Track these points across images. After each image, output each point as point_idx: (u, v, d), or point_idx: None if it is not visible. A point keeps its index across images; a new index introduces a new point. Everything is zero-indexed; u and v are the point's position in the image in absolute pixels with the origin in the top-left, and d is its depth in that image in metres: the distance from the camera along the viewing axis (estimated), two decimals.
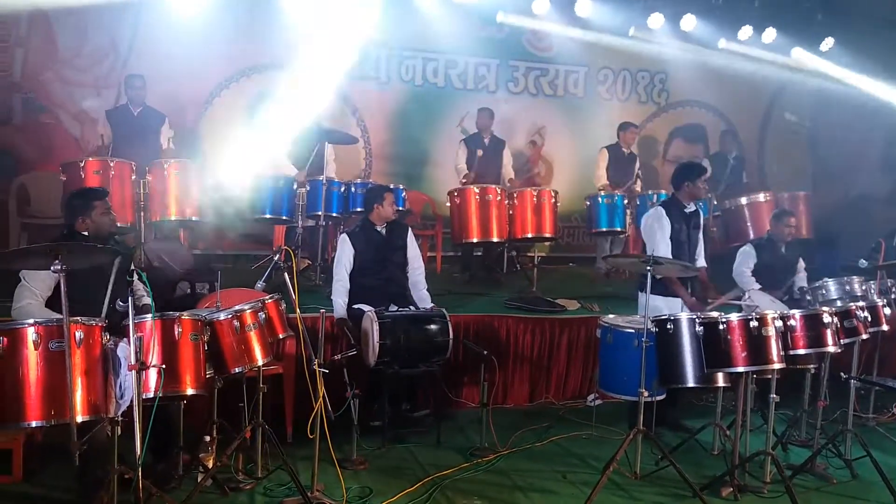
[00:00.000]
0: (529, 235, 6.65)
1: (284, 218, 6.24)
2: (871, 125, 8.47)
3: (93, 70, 7.15)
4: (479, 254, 7.34)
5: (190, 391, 3.40)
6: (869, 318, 4.45)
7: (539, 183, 8.59)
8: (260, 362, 3.74)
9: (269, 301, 3.96)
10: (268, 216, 6.21)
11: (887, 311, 4.67)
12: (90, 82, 7.15)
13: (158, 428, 3.22)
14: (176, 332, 3.37)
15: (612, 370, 4.58)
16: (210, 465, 3.80)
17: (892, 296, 5.34)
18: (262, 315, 3.80)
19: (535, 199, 6.59)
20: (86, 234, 3.78)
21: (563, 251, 8.69)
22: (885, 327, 4.64)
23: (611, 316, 4.77)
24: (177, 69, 7.14)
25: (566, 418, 5.23)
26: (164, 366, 3.21)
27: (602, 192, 7.11)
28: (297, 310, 3.68)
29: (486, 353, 4.67)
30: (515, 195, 6.59)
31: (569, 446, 4.73)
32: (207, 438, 3.90)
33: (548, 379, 5.63)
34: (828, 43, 8.61)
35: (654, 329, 4.10)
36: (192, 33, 6.95)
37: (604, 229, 7.07)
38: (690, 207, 4.98)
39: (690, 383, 4.08)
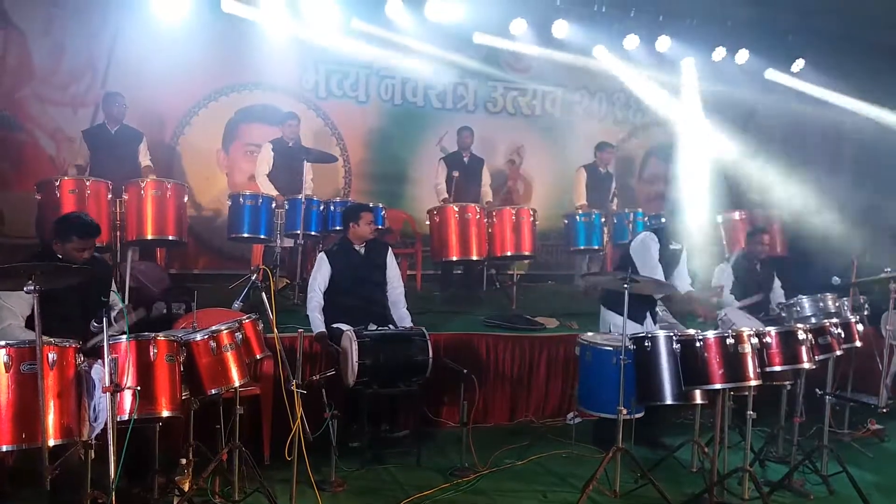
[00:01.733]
0: (509, 253, 6.67)
1: (262, 237, 6.21)
2: (844, 143, 8.65)
3: (70, 88, 7.10)
4: (459, 272, 7.35)
5: (165, 413, 3.35)
6: (843, 335, 4.52)
7: (518, 201, 8.65)
8: (237, 383, 3.69)
9: (247, 321, 3.92)
10: (245, 235, 6.18)
11: (860, 327, 4.75)
12: (67, 101, 7.09)
13: (133, 451, 3.16)
14: (151, 353, 3.33)
15: (591, 388, 4.60)
16: (186, 488, 3.74)
17: (865, 312, 5.41)
18: (238, 335, 3.76)
19: (514, 217, 6.62)
20: (59, 256, 3.73)
21: (542, 269, 8.73)
22: (858, 343, 4.72)
23: (589, 334, 4.81)
24: (155, 87, 7.12)
25: (546, 437, 5.22)
26: (139, 388, 3.17)
27: (580, 211, 7.17)
28: (275, 330, 3.65)
29: (465, 371, 4.67)
30: (495, 213, 6.62)
31: (549, 465, 4.72)
32: (183, 461, 3.83)
33: (528, 397, 5.62)
34: (799, 64, 8.81)
35: (631, 347, 4.13)
36: (171, 52, 6.94)
37: (582, 247, 7.13)
38: (676, 245, 5.02)
39: (668, 400, 4.11)
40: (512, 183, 8.99)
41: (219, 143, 7.79)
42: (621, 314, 4.03)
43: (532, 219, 6.70)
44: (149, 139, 6.55)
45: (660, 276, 4.76)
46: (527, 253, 6.76)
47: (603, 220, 7.06)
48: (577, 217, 7.11)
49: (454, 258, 6.59)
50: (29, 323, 3.54)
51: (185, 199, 5.99)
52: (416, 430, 4.84)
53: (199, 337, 3.62)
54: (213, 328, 3.71)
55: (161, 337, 3.40)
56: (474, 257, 6.59)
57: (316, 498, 3.76)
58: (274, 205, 6.18)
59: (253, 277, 3.88)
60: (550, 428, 5.41)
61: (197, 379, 3.59)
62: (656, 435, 5.01)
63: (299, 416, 3.55)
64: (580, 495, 3.86)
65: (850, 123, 8.71)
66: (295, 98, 7.95)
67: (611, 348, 4.44)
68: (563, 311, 6.43)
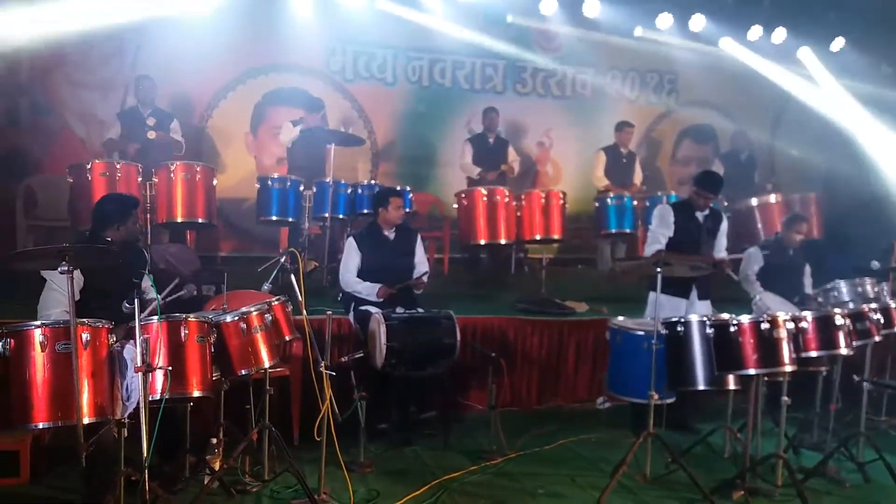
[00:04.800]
0: (538, 237, 6.60)
1: (291, 220, 6.23)
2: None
3: (99, 72, 7.17)
4: (486, 255, 7.31)
5: (196, 393, 3.37)
6: (882, 320, 4.41)
7: (547, 184, 8.57)
8: (266, 364, 3.71)
9: (276, 303, 3.93)
10: (274, 218, 6.19)
11: None
12: (97, 84, 7.17)
13: (165, 430, 3.20)
14: (182, 334, 3.35)
15: (622, 373, 4.57)
16: (217, 467, 3.79)
17: None
18: (268, 317, 3.77)
19: (543, 200, 6.54)
20: (108, 240, 3.77)
21: (572, 253, 8.64)
22: None
23: (620, 318, 4.75)
24: (184, 70, 7.16)
25: (575, 421, 5.19)
26: (170, 368, 3.19)
27: (611, 194, 7.07)
28: (304, 312, 3.65)
29: (493, 355, 4.63)
30: (524, 196, 6.55)
31: (577, 449, 4.69)
32: (214, 441, 3.88)
33: (556, 381, 5.59)
34: (838, 43, 8.54)
35: (663, 331, 4.06)
36: (200, 35, 6.97)
37: (613, 231, 7.03)
38: (705, 211, 4.93)
39: (701, 386, 4.05)
40: (541, 166, 8.90)
41: (247, 126, 7.82)
42: (669, 294, 3.95)
43: (562, 202, 6.61)
44: (179, 122, 6.59)
45: (664, 240, 4.84)
46: (556, 237, 6.67)
47: (635, 203, 6.95)
48: (609, 200, 7.01)
49: (482, 242, 6.54)
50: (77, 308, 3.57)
51: (215, 181, 6.03)
52: (443, 412, 4.85)
53: (229, 318, 3.64)
54: (243, 310, 3.72)
55: (192, 318, 3.42)
56: (502, 241, 6.52)
57: (345, 478, 3.77)
58: (302, 188, 6.19)
59: (282, 260, 3.88)
60: (579, 412, 5.39)
61: (227, 360, 3.61)
62: (688, 420, 4.95)
63: (328, 397, 3.57)
64: (610, 480, 3.83)
65: (890, 103, 8.44)
66: (322, 80, 7.95)
67: (642, 333, 4.40)
68: (593, 296, 6.36)
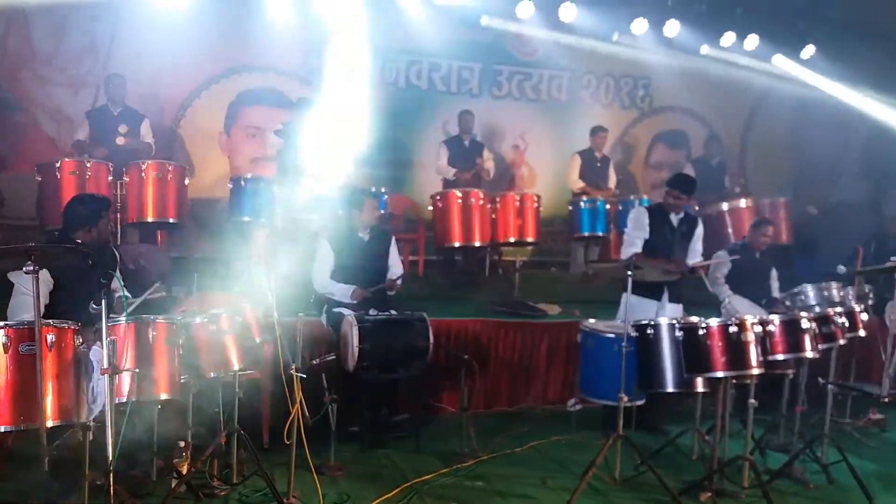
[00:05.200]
0: (512, 240, 6.64)
1: (264, 221, 6.18)
2: (852, 133, 8.58)
3: (71, 69, 7.06)
4: (461, 258, 7.32)
5: (164, 396, 3.35)
6: (847, 324, 4.47)
7: (522, 187, 8.61)
8: (236, 367, 3.68)
9: (246, 305, 3.90)
10: (247, 219, 6.14)
11: (864, 316, 4.70)
12: (68, 82, 7.06)
13: (132, 433, 3.16)
14: (150, 336, 3.32)
15: (593, 375, 4.60)
16: (184, 470, 3.74)
17: (870, 302, 5.39)
18: (238, 319, 3.75)
19: (518, 203, 6.60)
20: (79, 242, 3.72)
21: (546, 255, 8.69)
22: (862, 333, 4.66)
23: (591, 321, 4.79)
24: (157, 69, 7.09)
25: (546, 423, 5.21)
26: (137, 370, 3.16)
27: (584, 197, 7.13)
28: (275, 314, 3.63)
29: (466, 357, 4.65)
30: (498, 199, 6.59)
31: (548, 451, 4.72)
32: (182, 444, 3.83)
33: (528, 384, 5.62)
34: (809, 50, 8.71)
35: (634, 334, 4.10)
36: (173, 33, 6.90)
37: (586, 234, 7.09)
38: (679, 214, 5.00)
39: (670, 388, 4.10)
40: (516, 169, 8.94)
41: (221, 125, 7.75)
42: (641, 296, 4.03)
43: (536, 205, 6.67)
44: (150, 122, 6.51)
45: (639, 243, 4.89)
46: (530, 239, 6.72)
47: (608, 206, 7.01)
48: (582, 203, 7.07)
49: (457, 244, 6.56)
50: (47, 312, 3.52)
51: (187, 181, 5.98)
52: (416, 415, 4.84)
53: (199, 320, 3.61)
54: (213, 312, 3.69)
55: (161, 320, 3.39)
56: (477, 243, 6.56)
57: (314, 482, 3.75)
58: (275, 188, 6.15)
59: (252, 262, 3.86)
60: (551, 414, 5.42)
61: (196, 362, 3.58)
62: (657, 422, 5.00)
63: (299, 400, 3.55)
64: (580, 482, 3.85)
65: (859, 112, 8.62)
66: (298, 81, 7.90)
67: (613, 335, 4.44)
68: (566, 298, 6.41)
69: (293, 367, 3.55)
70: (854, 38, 8.38)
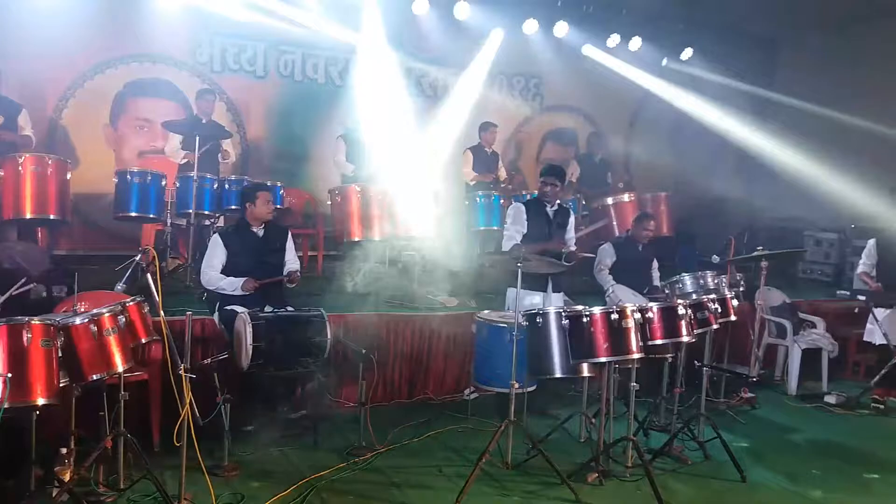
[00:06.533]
0: (412, 234, 6.68)
1: (152, 216, 5.97)
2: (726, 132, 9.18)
3: None
4: (361, 252, 7.30)
5: (41, 401, 3.17)
6: (719, 310, 4.76)
7: None
8: (120, 369, 3.54)
9: (131, 304, 3.76)
10: (133, 214, 5.92)
11: (735, 302, 5.04)
12: None
13: (6, 442, 3.00)
14: (25, 339, 3.14)
15: (487, 364, 4.74)
16: (67, 478, 3.58)
17: (741, 288, 5.79)
18: (122, 319, 3.60)
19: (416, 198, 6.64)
20: None
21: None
22: (733, 318, 5.00)
23: (485, 312, 4.92)
24: (36, 58, 6.69)
25: (444, 413, 5.31)
26: (9, 374, 3.00)
27: (480, 192, 7.27)
28: (162, 312, 3.53)
29: (364, 351, 4.67)
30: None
31: (445, 440, 4.81)
32: (64, 451, 3.66)
33: (427, 375, 5.69)
34: (688, 52, 9.24)
35: (524, 323, 4.25)
36: (53, 20, 6.56)
37: (482, 227, 7.23)
38: (553, 206, 5.23)
39: (558, 374, 4.28)
40: None
41: (106, 117, 7.41)
42: (527, 288, 4.18)
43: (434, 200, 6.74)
44: (30, 113, 6.14)
45: (518, 236, 5.20)
46: (430, 234, 6.79)
47: (502, 201, 7.19)
48: (478, 198, 7.21)
49: (356, 239, 6.54)
50: None
51: (69, 175, 5.69)
52: (314, 411, 4.81)
53: (78, 321, 3.44)
54: (94, 311, 3.53)
55: (36, 321, 3.21)
56: (377, 238, 6.56)
57: (207, 483, 3.68)
58: (164, 182, 5.94)
59: (138, 258, 3.73)
60: (448, 404, 5.51)
61: (76, 365, 3.41)
62: (548, 407, 5.20)
63: (188, 400, 3.46)
64: (473, 468, 3.96)
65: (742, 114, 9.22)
66: (188, 71, 7.67)
67: (505, 325, 4.58)
68: (464, 291, 6.52)
69: (182, 366, 3.46)
70: (730, 41, 8.95)
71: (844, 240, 8.43)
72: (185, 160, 6.39)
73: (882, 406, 5.82)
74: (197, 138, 6.01)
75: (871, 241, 6.51)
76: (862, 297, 6.38)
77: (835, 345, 6.37)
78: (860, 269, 6.51)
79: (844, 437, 5.27)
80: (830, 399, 5.92)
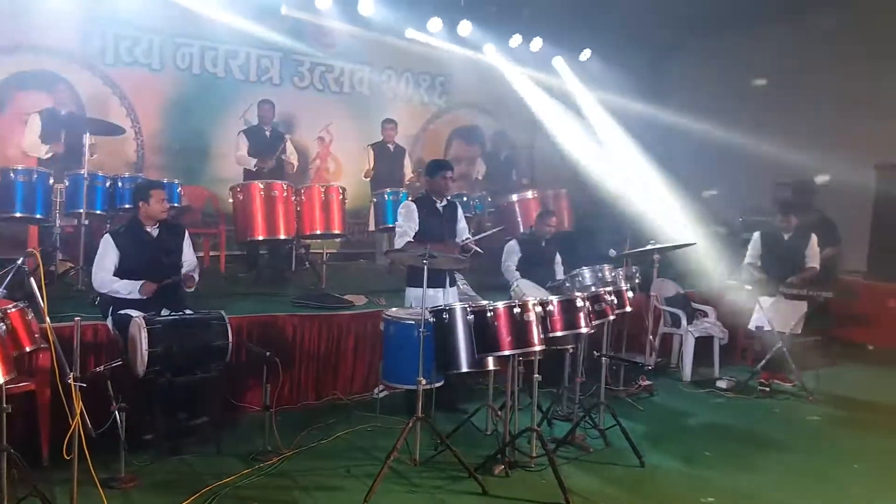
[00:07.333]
0: (318, 232, 6.60)
1: (38, 217, 5.63)
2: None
3: None
4: (266, 252, 7.16)
5: None
6: (616, 302, 4.91)
7: (329, 180, 8.59)
8: (2, 379, 3.32)
9: (13, 310, 3.52)
10: (18, 215, 5.56)
11: (630, 294, 5.22)
12: None
13: None
14: None
15: (395, 361, 4.73)
16: None
17: (637, 281, 6.04)
18: (2, 326, 3.38)
19: (323, 195, 6.56)
20: None
21: (354, 247, 8.76)
22: (628, 308, 5.16)
23: (393, 309, 4.92)
24: None
25: (353, 413, 5.27)
26: None
27: (388, 190, 7.27)
28: (47, 319, 3.34)
29: (268, 354, 4.56)
30: (303, 191, 6.52)
31: (354, 440, 4.77)
32: None
33: (335, 375, 5.62)
34: (586, 54, 9.54)
35: (431, 319, 4.28)
36: None
37: (391, 225, 7.22)
38: (442, 202, 5.29)
39: (465, 368, 4.32)
40: (322, 161, 8.90)
41: None
42: (419, 287, 4.17)
43: (342, 197, 6.68)
44: None
45: (412, 233, 5.15)
46: (337, 231, 6.73)
47: (409, 198, 7.20)
48: (386, 196, 7.20)
49: (260, 237, 6.40)
50: None
51: None
52: (216, 417, 4.66)
53: None
54: None
55: None
56: (282, 236, 6.45)
57: (101, 496, 3.52)
58: (52, 181, 5.61)
59: (20, 261, 3.51)
60: (358, 404, 5.47)
61: None
62: (456, 402, 5.26)
63: (78, 410, 3.30)
64: (381, 466, 3.96)
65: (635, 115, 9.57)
66: (78, 64, 7.29)
67: (412, 322, 4.59)
68: (373, 289, 6.50)
69: (70, 375, 3.29)
70: (624, 44, 9.29)
71: (734, 233, 8.93)
72: (50, 154, 6.05)
73: (768, 389, 6.19)
74: (63, 133, 5.71)
75: (756, 234, 6.93)
76: (748, 287, 6.77)
77: (725, 332, 6.74)
78: (747, 260, 6.92)
79: (735, 419, 5.54)
80: (722, 384, 6.23)
